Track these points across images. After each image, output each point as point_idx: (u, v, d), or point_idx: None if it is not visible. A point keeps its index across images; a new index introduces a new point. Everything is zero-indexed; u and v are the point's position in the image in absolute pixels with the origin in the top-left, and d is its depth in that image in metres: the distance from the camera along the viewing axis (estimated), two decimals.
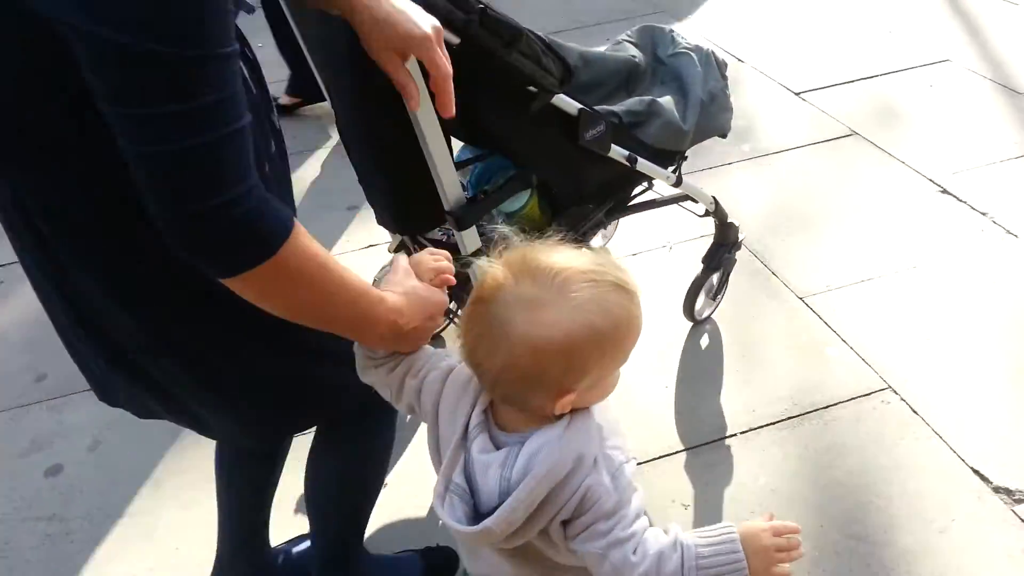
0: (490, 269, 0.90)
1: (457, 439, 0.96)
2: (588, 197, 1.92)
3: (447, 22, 1.41)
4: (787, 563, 0.94)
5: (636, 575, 0.90)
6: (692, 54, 2.00)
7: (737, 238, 2.26)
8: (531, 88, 1.60)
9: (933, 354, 2.20)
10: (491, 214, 1.82)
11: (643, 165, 1.85)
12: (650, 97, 1.89)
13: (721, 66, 2.02)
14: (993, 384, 2.10)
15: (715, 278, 2.31)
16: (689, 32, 4.09)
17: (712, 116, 1.96)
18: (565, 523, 0.93)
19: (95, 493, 2.03)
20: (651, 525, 0.95)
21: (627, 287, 0.92)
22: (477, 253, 1.73)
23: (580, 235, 1.99)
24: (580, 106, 1.69)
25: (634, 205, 2.12)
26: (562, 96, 1.66)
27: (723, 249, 2.25)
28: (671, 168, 1.96)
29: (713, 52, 2.03)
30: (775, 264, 2.56)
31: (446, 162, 1.58)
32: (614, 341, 0.91)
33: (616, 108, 1.85)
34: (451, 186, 1.63)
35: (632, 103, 1.87)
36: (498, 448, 0.94)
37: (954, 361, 2.18)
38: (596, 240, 2.63)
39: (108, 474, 2.08)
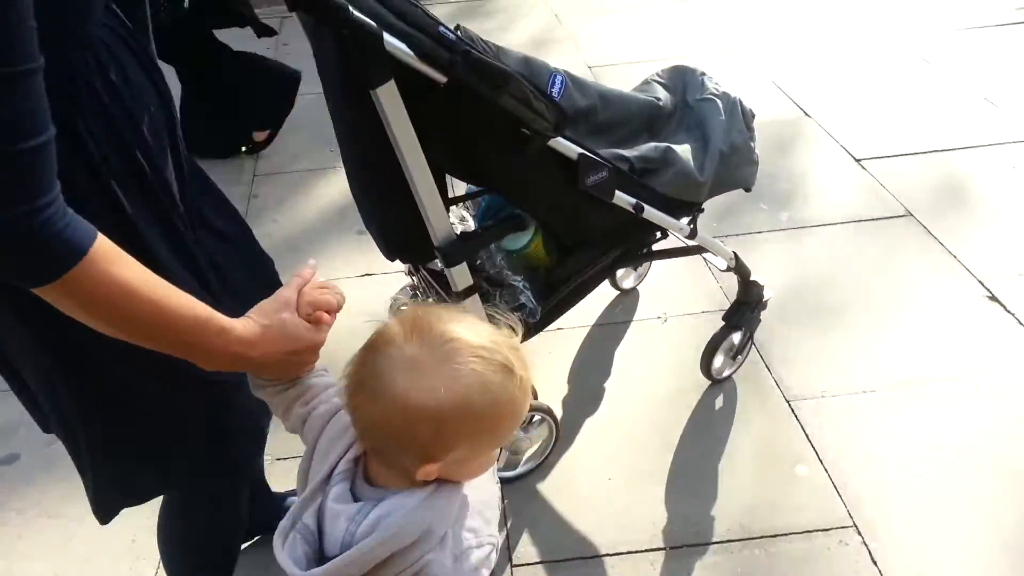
0: (389, 322, 0.91)
1: (319, 480, 0.94)
2: (593, 242, 1.87)
3: (431, 60, 1.40)
4: None
5: None
6: (718, 101, 1.92)
7: (762, 297, 2.17)
8: (525, 131, 1.55)
9: (919, 495, 1.96)
10: (491, 251, 1.82)
11: (651, 214, 1.79)
12: (666, 144, 1.83)
13: (747, 116, 1.94)
14: (979, 548, 1.84)
15: (736, 337, 2.19)
16: (755, 72, 3.87)
17: (733, 168, 1.88)
18: None
19: (37, 489, 2.08)
20: None
21: (515, 370, 0.91)
22: (470, 290, 1.70)
23: (588, 279, 1.91)
24: (580, 151, 1.64)
25: (654, 252, 2.07)
26: (560, 140, 1.62)
27: (745, 308, 2.17)
28: (686, 219, 1.90)
29: (740, 100, 1.94)
30: (773, 357, 2.35)
31: (433, 197, 1.57)
32: (488, 421, 0.90)
33: (628, 153, 1.79)
34: (438, 221, 1.62)
35: (647, 149, 1.81)
36: (356, 500, 0.92)
37: (941, 508, 1.92)
38: (628, 281, 2.58)
39: (57, 471, 2.12)
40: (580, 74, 1.90)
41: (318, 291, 1.01)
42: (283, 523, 0.92)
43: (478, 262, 1.79)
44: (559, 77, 1.83)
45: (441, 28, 1.42)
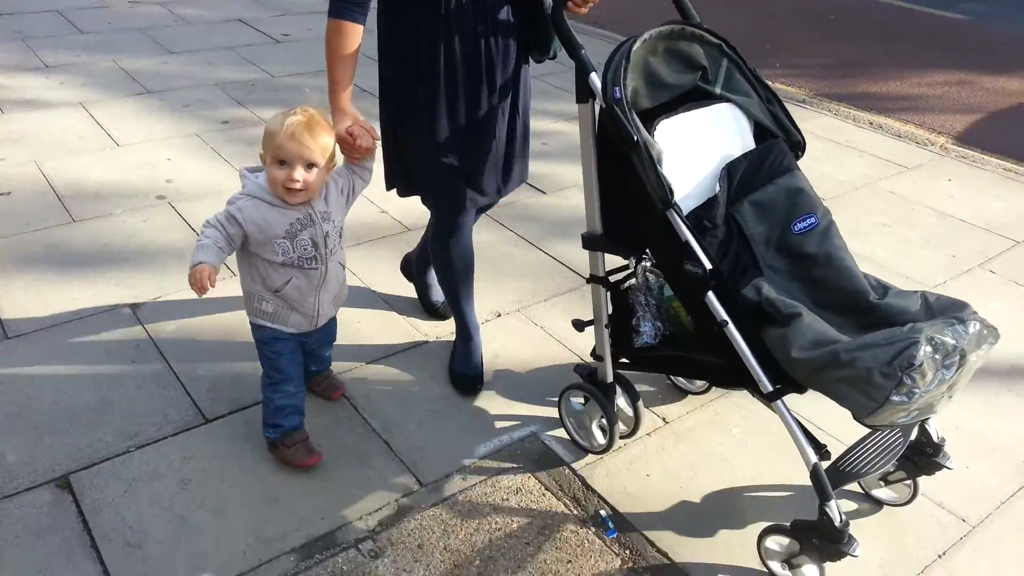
0: None
1: None
2: (707, 334, 1.89)
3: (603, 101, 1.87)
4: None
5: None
6: (913, 335, 1.64)
7: (838, 538, 1.79)
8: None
9: None
10: (651, 283, 2.13)
11: (735, 340, 1.81)
12: (800, 310, 1.79)
13: (903, 360, 1.62)
14: None
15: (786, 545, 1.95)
16: None
17: (837, 379, 1.70)
18: None
19: None
20: (219, 235, 1.92)
21: (286, 116, 1.89)
22: (595, 279, 2.14)
23: (690, 361, 2.07)
24: (688, 238, 1.82)
25: (763, 394, 1.86)
26: (676, 218, 1.82)
27: (810, 532, 1.85)
28: (775, 383, 1.82)
29: (919, 342, 1.63)
30: None
31: (591, 196, 2.05)
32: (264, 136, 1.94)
33: (768, 291, 1.84)
34: (590, 215, 2.09)
35: (781, 299, 1.82)
36: None
37: None
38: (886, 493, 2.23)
39: None
40: None
41: (364, 132, 2.03)
42: None
43: (633, 281, 2.14)
44: (813, 220, 1.94)
45: (617, 88, 1.82)
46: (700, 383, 2.55)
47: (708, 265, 1.80)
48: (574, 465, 2.28)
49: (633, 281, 2.14)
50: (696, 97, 2.02)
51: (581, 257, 3.22)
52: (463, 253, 2.45)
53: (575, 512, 2.13)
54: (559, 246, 3.34)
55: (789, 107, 2.13)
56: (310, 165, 1.90)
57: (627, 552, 2.02)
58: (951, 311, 1.78)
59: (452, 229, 2.39)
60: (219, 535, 2.00)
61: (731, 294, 1.82)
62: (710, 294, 1.81)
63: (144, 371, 2.53)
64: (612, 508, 2.14)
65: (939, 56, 6.48)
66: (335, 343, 2.37)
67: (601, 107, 1.86)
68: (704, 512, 2.15)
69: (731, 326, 1.81)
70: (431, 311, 2.86)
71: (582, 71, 1.91)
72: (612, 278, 2.15)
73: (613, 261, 2.14)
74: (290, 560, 1.95)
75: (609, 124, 1.83)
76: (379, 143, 2.17)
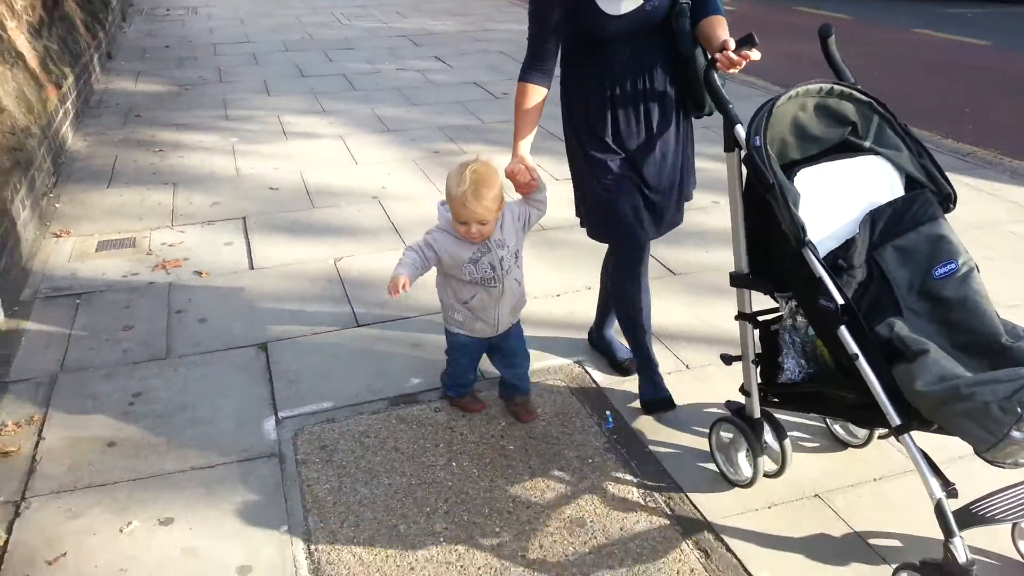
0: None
1: None
2: (843, 370, 1.98)
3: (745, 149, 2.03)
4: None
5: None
6: None
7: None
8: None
9: None
10: (799, 323, 2.16)
11: (866, 374, 1.88)
12: (927, 346, 1.85)
13: (1023, 395, 1.67)
14: None
15: None
16: None
17: (958, 412, 1.75)
18: None
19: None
20: (417, 258, 2.46)
21: (459, 178, 2.32)
22: (742, 316, 2.29)
23: (827, 398, 2.12)
24: (823, 273, 1.91)
25: (893, 429, 1.91)
26: (811, 256, 1.91)
27: (935, 571, 1.89)
28: (904, 417, 1.87)
29: None
30: None
31: (738, 237, 2.20)
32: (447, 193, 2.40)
33: (900, 329, 1.91)
34: (737, 256, 2.23)
35: (911, 336, 1.88)
36: None
37: None
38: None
39: None
40: None
41: (527, 171, 2.43)
42: None
43: (779, 318, 2.22)
44: (953, 265, 1.98)
45: (757, 137, 1.97)
46: (861, 435, 2.57)
47: (840, 300, 1.89)
48: (600, 383, 2.98)
49: (782, 322, 2.20)
50: (843, 150, 2.13)
51: (677, 259, 3.92)
52: (638, 290, 2.71)
53: (586, 410, 2.84)
54: (662, 250, 4.02)
55: (954, 161, 2.30)
56: (481, 221, 2.36)
57: (615, 438, 2.70)
58: None
59: (630, 268, 2.68)
60: (344, 383, 3.01)
61: (863, 330, 1.89)
62: (842, 328, 1.89)
63: (329, 294, 3.67)
64: (618, 412, 2.82)
65: None
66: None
67: (744, 154, 2.03)
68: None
69: (862, 359, 1.88)
70: (617, 368, 3.02)
71: (729, 123, 2.10)
72: (761, 318, 2.29)
73: (762, 303, 2.29)
74: (383, 403, 2.89)
75: (749, 169, 2.01)
76: (541, 178, 2.50)
